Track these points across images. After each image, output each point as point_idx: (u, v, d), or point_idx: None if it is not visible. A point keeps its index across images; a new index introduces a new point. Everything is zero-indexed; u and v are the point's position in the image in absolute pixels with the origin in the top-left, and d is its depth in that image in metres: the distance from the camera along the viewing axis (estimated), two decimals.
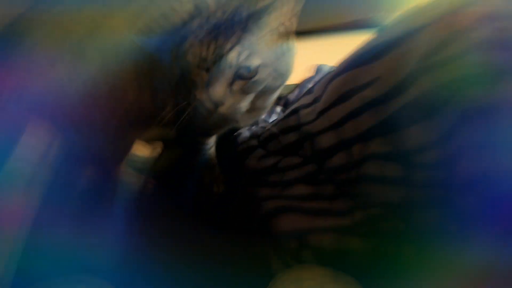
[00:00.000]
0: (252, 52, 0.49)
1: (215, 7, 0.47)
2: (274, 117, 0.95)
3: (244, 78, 0.50)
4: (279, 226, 0.73)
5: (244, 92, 0.52)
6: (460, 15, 0.50)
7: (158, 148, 0.96)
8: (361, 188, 0.68)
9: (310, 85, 0.84)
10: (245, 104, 0.54)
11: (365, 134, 0.65)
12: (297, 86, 1.04)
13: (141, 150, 0.93)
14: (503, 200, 0.45)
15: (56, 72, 0.66)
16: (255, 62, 0.49)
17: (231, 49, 0.47)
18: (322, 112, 0.72)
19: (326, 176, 0.74)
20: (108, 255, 0.71)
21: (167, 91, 0.64)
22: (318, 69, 1.06)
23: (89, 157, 0.85)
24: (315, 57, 1.08)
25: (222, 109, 0.51)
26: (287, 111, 0.85)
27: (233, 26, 0.47)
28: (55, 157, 0.94)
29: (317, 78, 0.87)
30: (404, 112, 0.59)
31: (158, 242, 0.77)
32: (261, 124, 0.94)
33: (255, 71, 0.50)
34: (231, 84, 0.50)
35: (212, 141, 0.83)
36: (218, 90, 0.49)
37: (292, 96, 1.00)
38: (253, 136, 0.88)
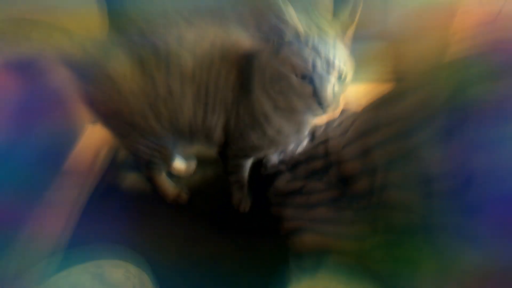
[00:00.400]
0: (344, 59, 0.57)
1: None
2: (300, 149, 1.04)
3: (339, 83, 0.57)
4: (300, 245, 0.79)
5: (339, 93, 0.58)
6: (475, 65, 0.61)
7: (193, 165, 1.05)
8: (381, 214, 0.74)
9: (337, 122, 0.95)
10: (339, 104, 0.59)
11: (388, 163, 0.73)
12: (323, 124, 1.15)
13: (179, 166, 1.02)
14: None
15: None
16: (347, 67, 0.57)
17: (334, 58, 0.55)
18: (349, 143, 0.81)
19: (348, 201, 0.81)
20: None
21: (220, 111, 0.75)
22: (342, 111, 1.17)
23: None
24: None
25: (330, 109, 0.57)
26: (315, 142, 0.95)
27: (327, 45, 0.55)
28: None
29: (343, 117, 0.97)
30: (425, 145, 0.67)
31: (184, 249, 0.83)
32: (289, 153, 1.03)
33: (346, 74, 0.58)
34: (334, 88, 0.57)
35: (247, 164, 0.90)
36: (329, 91, 0.56)
37: (318, 132, 1.10)
38: (282, 161, 0.97)
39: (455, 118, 0.60)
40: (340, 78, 0.58)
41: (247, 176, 0.92)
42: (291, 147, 1.07)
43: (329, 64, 0.55)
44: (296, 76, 0.57)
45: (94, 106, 0.73)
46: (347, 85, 0.60)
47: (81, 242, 0.77)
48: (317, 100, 0.57)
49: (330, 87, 0.56)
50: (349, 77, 0.59)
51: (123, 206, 0.92)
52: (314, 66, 0.55)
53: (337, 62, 0.56)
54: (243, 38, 0.75)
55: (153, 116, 0.73)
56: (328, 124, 1.08)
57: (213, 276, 0.77)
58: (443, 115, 0.63)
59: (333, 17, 0.60)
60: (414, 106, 0.70)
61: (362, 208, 0.78)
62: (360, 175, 0.77)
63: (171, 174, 1.00)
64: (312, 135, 1.12)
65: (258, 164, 0.99)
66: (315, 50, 0.55)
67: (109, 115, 0.74)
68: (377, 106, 0.79)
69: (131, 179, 1.00)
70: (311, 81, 0.57)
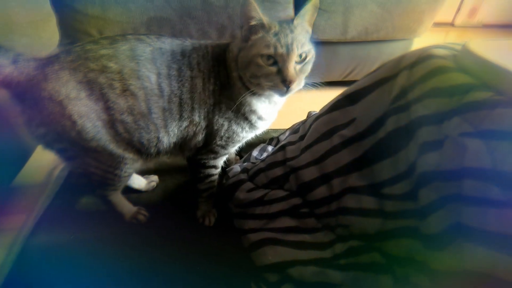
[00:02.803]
0: (302, 43, 0.65)
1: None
2: (265, 155, 1.01)
3: (301, 61, 0.66)
4: (262, 258, 0.75)
5: (302, 72, 0.67)
6: (416, 69, 0.59)
7: (153, 181, 1.00)
8: (341, 221, 0.72)
9: (297, 127, 0.92)
10: (302, 83, 0.68)
11: (344, 169, 0.71)
12: (288, 129, 1.13)
13: (137, 183, 0.97)
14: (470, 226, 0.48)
15: None
16: (305, 48, 0.65)
17: (292, 42, 0.64)
18: (305, 149, 0.78)
19: (309, 209, 0.78)
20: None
21: (200, 118, 0.72)
22: (308, 114, 1.15)
23: None
24: (307, 105, 1.19)
25: (293, 85, 0.64)
26: (275, 148, 0.92)
27: (285, 31, 0.65)
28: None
29: (302, 121, 0.95)
30: (377, 148, 0.65)
31: (143, 271, 0.77)
32: (252, 160, 1.00)
33: (306, 56, 0.67)
34: (295, 68, 0.66)
35: (220, 163, 0.86)
36: (292, 69, 0.65)
37: (282, 137, 1.07)
38: (243, 170, 0.94)
39: (416, 153, 0.58)
40: (300, 58, 0.66)
41: (215, 184, 0.89)
42: (255, 153, 1.04)
43: (288, 48, 0.64)
44: (261, 58, 0.65)
45: (34, 128, 0.67)
46: (308, 65, 0.69)
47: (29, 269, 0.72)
48: (281, 77, 0.65)
49: (291, 66, 0.65)
50: (309, 58, 0.68)
51: (77, 229, 0.86)
52: (275, 49, 0.64)
53: (295, 46, 0.64)
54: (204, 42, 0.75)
55: (108, 138, 0.68)
56: (291, 129, 1.05)
57: None
58: (392, 117, 0.62)
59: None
60: (366, 109, 0.69)
61: (322, 215, 0.75)
62: (317, 181, 0.75)
63: (131, 190, 0.95)
64: (277, 141, 1.09)
65: (221, 178, 0.96)
66: (276, 37, 0.64)
67: (52, 138, 0.67)
68: (334, 108, 0.77)
69: (86, 200, 0.94)
70: (274, 62, 0.65)
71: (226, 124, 0.75)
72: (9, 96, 0.64)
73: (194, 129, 0.74)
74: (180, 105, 0.70)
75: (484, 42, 0.55)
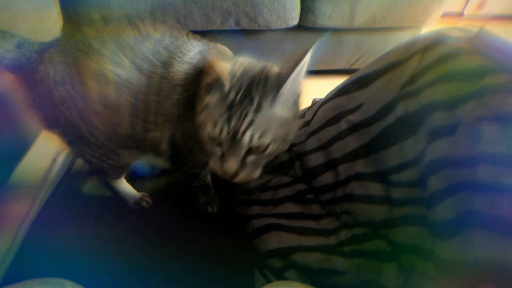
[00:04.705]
0: (265, 131, 0.50)
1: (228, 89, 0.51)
2: None
3: (257, 153, 0.53)
4: (266, 244, 0.74)
5: (257, 164, 0.55)
6: (429, 52, 0.58)
7: (157, 168, 1.00)
8: (346, 207, 0.71)
9: (302, 112, 0.91)
10: (258, 172, 0.55)
11: (351, 155, 0.70)
12: None
13: (141, 168, 0.97)
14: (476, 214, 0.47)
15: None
16: (266, 140, 0.51)
17: (245, 131, 0.50)
18: (311, 134, 0.77)
19: (314, 196, 0.77)
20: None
21: (164, 126, 0.64)
22: (313, 101, 1.13)
23: None
24: (312, 93, 1.16)
25: (237, 180, 0.54)
26: None
27: (246, 108, 0.50)
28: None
29: (308, 107, 0.94)
30: (385, 134, 0.64)
31: (146, 258, 0.77)
32: None
33: (267, 147, 0.52)
34: (244, 159, 0.53)
35: (207, 170, 0.82)
36: (232, 165, 0.52)
37: None
38: None
39: (413, 105, 0.57)
40: (257, 150, 0.53)
41: (210, 179, 0.88)
42: None
43: (235, 135, 0.50)
44: (208, 134, 0.53)
45: (37, 111, 0.66)
46: (270, 155, 0.55)
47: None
48: (221, 165, 0.54)
49: (234, 160, 0.52)
50: (272, 149, 0.53)
51: (81, 214, 0.86)
52: (220, 131, 0.51)
53: (247, 136, 0.50)
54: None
55: (86, 129, 0.65)
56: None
57: (178, 281, 0.73)
58: (402, 102, 0.60)
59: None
60: (374, 94, 0.67)
61: (328, 201, 0.75)
62: (323, 167, 0.74)
63: (135, 177, 0.95)
64: None
65: None
66: (229, 112, 0.50)
67: (50, 122, 0.67)
68: (341, 92, 0.75)
69: (90, 186, 0.94)
70: (220, 144, 0.53)
71: (189, 145, 0.66)
72: (15, 80, 0.64)
73: (159, 135, 0.67)
74: (146, 105, 0.62)
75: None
